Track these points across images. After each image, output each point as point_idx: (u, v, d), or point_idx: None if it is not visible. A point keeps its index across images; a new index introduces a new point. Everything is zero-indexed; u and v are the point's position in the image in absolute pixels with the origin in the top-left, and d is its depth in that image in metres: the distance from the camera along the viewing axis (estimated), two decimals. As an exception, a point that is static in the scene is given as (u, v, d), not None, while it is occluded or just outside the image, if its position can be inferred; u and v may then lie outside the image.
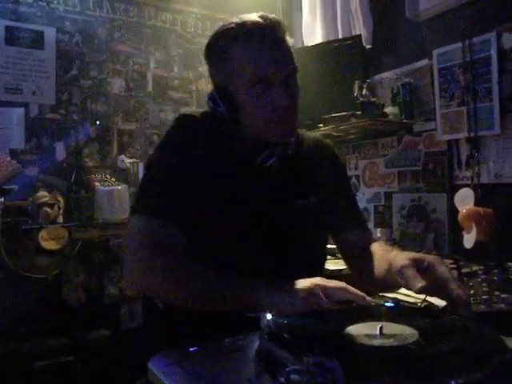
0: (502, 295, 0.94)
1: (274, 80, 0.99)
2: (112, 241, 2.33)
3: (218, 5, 2.89)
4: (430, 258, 0.84)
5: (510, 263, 1.42)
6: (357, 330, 0.67)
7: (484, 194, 1.83)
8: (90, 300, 2.31)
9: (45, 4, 2.36)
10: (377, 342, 0.63)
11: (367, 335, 0.65)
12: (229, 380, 0.56)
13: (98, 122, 2.44)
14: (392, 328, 0.67)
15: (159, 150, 1.05)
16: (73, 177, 2.19)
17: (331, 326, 0.72)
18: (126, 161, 2.45)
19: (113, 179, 2.41)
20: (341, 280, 0.85)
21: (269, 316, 0.69)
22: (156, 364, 0.64)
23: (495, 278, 1.10)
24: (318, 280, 0.84)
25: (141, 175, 2.42)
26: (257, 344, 0.64)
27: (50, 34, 2.36)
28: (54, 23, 2.38)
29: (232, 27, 1.01)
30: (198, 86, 2.83)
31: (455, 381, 0.48)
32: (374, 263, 1.05)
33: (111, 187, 2.26)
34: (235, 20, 1.03)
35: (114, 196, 2.23)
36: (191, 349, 0.69)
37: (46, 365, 1.96)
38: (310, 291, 0.80)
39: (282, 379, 0.49)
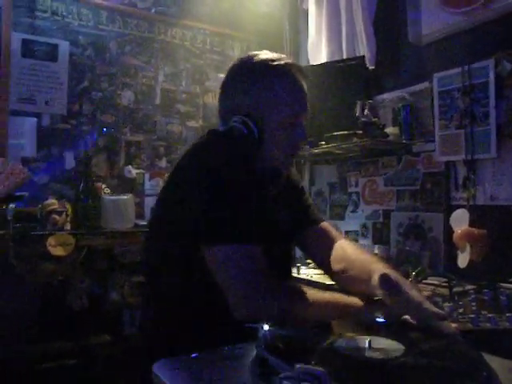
0: (489, 315, 0.99)
1: (301, 119, 1.15)
2: (116, 249, 2.38)
3: (227, 22, 2.98)
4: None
5: (501, 284, 1.47)
6: (347, 342, 0.72)
7: (479, 215, 1.87)
8: (93, 305, 2.36)
9: (60, 18, 2.45)
10: (364, 355, 0.68)
11: (356, 348, 0.70)
12: (234, 381, 0.61)
13: (104, 129, 2.51)
14: (380, 342, 0.72)
15: (219, 174, 1.01)
16: (81, 185, 2.25)
17: (323, 338, 0.77)
18: (133, 171, 2.52)
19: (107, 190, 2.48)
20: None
21: (266, 327, 0.74)
22: (160, 368, 0.69)
23: (485, 297, 1.14)
24: None
25: (147, 186, 2.49)
26: (253, 353, 0.69)
27: (63, 46, 2.45)
28: (68, 37, 2.47)
29: (280, 64, 1.13)
30: (204, 99, 2.91)
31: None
32: (354, 269, 1.18)
33: (117, 197, 2.32)
34: (269, 56, 1.15)
35: (120, 205, 2.29)
36: (193, 355, 0.74)
37: (50, 367, 2.01)
38: None
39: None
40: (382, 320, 0.94)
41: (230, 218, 0.98)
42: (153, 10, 2.72)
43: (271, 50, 1.20)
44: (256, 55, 1.16)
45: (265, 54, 1.16)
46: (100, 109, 2.53)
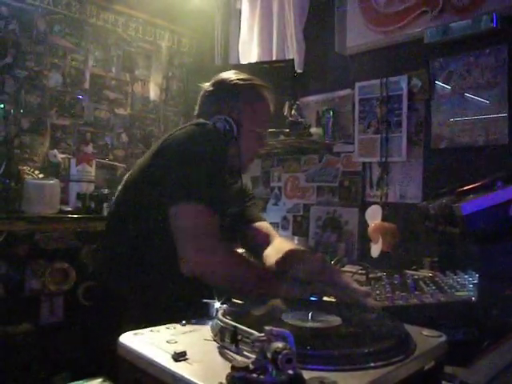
0: (401, 294, 1.16)
1: (265, 131, 1.44)
2: (38, 234, 2.30)
3: (160, 12, 2.97)
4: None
5: (406, 270, 1.71)
6: (291, 316, 0.84)
7: (390, 211, 2.13)
8: (10, 293, 2.26)
9: (-20, -15, 2.30)
10: (308, 325, 0.80)
11: (300, 320, 0.81)
12: (197, 350, 0.67)
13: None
14: (319, 315, 0.84)
15: (203, 147, 1.16)
16: (2, 167, 2.14)
17: (270, 313, 0.88)
18: (59, 156, 2.44)
19: (36, 172, 2.38)
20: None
21: (217, 304, 0.84)
22: (127, 341, 0.73)
23: (395, 281, 1.33)
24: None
25: (73, 171, 2.42)
26: (209, 324, 0.78)
27: (-16, 17, 2.29)
28: (-12, 6, 2.31)
29: (260, 85, 1.39)
30: (133, 88, 2.89)
31: (368, 349, 0.66)
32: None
33: (42, 181, 2.24)
34: (258, 82, 1.41)
35: (45, 190, 2.21)
36: (153, 328, 0.79)
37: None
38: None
39: (248, 348, 0.63)
40: (314, 298, 1.09)
41: (204, 184, 1.10)
42: (85, -9, 2.64)
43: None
44: (237, 73, 1.42)
45: (243, 75, 1.41)
46: (24, 88, 2.42)
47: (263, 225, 1.51)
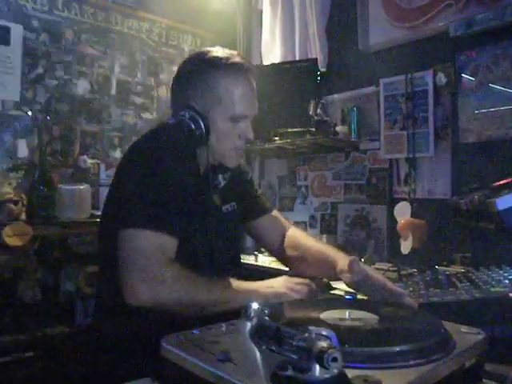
0: (435, 290, 1.16)
1: (246, 117, 1.18)
2: (71, 239, 2.37)
3: (183, 17, 3.01)
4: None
5: (437, 267, 1.71)
6: (329, 315, 0.85)
7: (418, 207, 2.11)
8: (46, 297, 2.33)
9: (13, 0, 2.37)
10: (347, 323, 0.81)
11: (339, 319, 0.82)
12: (239, 351, 0.68)
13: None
14: (357, 314, 0.85)
15: (152, 161, 1.05)
16: (36, 174, 2.21)
17: (309, 313, 0.89)
18: (88, 161, 2.50)
19: (68, 178, 2.45)
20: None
21: (255, 305, 0.85)
22: (171, 342, 0.73)
23: (428, 278, 1.32)
24: (286, 279, 1.13)
25: (102, 176, 2.49)
26: (249, 326, 0.79)
27: (17, 30, 2.36)
28: (21, 20, 2.39)
29: (221, 62, 1.14)
30: (159, 92, 2.94)
31: (409, 347, 0.67)
32: (311, 255, 1.31)
33: (74, 186, 2.29)
34: (219, 53, 1.16)
35: (77, 195, 2.27)
36: (194, 331, 0.81)
37: (5, 361, 1.96)
38: (286, 288, 1.08)
39: (290, 347, 0.64)
40: (349, 297, 1.10)
41: (151, 204, 1.00)
42: (110, 0, 2.70)
43: (224, 46, 1.21)
44: (208, 52, 1.17)
45: (216, 52, 1.17)
46: (54, 97, 2.49)
47: (274, 215, 1.43)
